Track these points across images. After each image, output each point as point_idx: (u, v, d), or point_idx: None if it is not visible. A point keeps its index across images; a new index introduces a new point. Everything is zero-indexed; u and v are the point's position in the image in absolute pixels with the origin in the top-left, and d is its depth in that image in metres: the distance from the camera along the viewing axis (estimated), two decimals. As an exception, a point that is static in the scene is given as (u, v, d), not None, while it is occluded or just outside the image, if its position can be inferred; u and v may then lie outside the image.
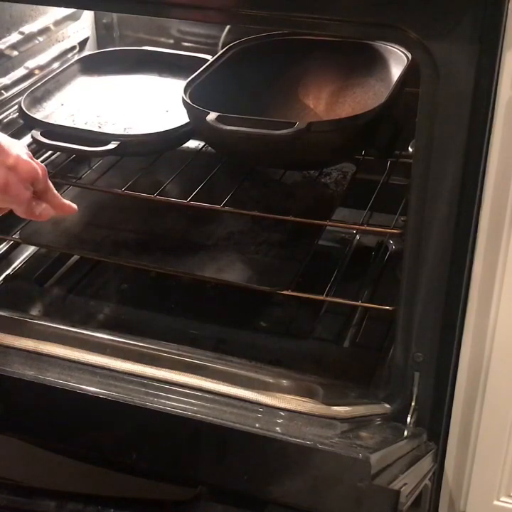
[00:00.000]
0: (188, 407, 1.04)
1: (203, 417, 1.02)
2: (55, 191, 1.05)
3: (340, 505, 1.00)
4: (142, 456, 1.09)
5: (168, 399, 1.05)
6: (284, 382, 1.08)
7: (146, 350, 1.11)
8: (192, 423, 1.02)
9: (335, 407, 1.05)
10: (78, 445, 1.15)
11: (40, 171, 1.00)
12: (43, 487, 1.25)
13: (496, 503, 1.11)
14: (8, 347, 1.13)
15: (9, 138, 1.02)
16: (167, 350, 1.12)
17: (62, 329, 1.16)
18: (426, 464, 1.06)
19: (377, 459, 0.96)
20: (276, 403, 1.04)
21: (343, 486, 0.98)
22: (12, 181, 0.97)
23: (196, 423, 1.02)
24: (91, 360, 1.10)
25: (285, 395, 1.06)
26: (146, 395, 1.05)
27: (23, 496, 1.22)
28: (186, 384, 1.07)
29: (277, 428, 1.01)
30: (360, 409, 1.07)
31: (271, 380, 1.08)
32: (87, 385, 1.06)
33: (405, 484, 0.97)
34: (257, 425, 1.01)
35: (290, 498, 1.04)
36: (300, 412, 1.04)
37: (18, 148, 1.00)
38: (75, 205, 1.08)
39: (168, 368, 1.09)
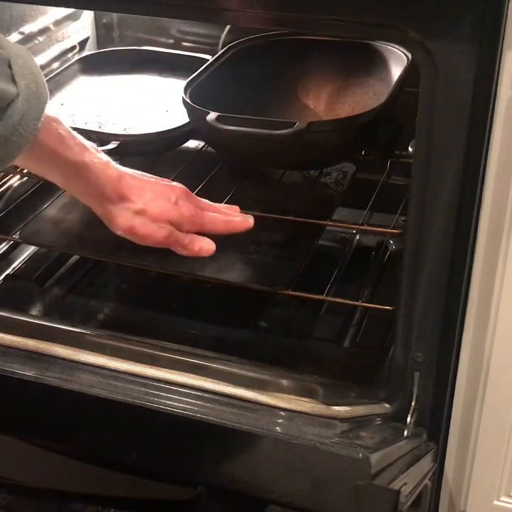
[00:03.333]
0: (188, 407, 1.04)
1: (203, 417, 1.02)
2: (217, 216, 1.09)
3: (340, 505, 1.00)
4: (142, 456, 1.09)
5: (169, 399, 1.05)
6: (284, 382, 1.08)
7: (146, 350, 1.11)
8: (192, 423, 1.02)
9: (335, 407, 1.05)
10: (78, 445, 1.15)
11: (176, 214, 1.04)
12: (42, 487, 1.25)
13: (496, 503, 1.11)
14: (8, 347, 1.13)
15: (149, 179, 1.06)
16: (167, 350, 1.11)
17: (62, 329, 1.16)
18: (426, 464, 1.05)
19: (377, 459, 0.96)
20: (277, 403, 1.04)
21: (343, 486, 0.98)
22: (139, 223, 1.02)
23: (196, 423, 1.02)
24: (91, 360, 1.10)
25: (285, 395, 1.06)
26: (146, 394, 1.05)
27: (23, 496, 1.23)
28: (186, 384, 1.07)
29: (277, 428, 1.01)
30: (360, 409, 1.07)
31: (271, 380, 1.08)
32: (87, 385, 1.06)
33: (405, 484, 0.97)
34: (257, 425, 1.01)
35: (290, 498, 1.04)
36: (300, 412, 1.04)
37: (154, 191, 1.03)
38: (248, 220, 1.12)
39: (168, 368, 1.09)
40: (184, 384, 1.07)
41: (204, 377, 1.07)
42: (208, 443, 1.04)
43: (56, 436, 1.15)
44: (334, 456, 0.97)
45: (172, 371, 1.08)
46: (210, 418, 1.01)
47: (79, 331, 1.15)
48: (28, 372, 1.08)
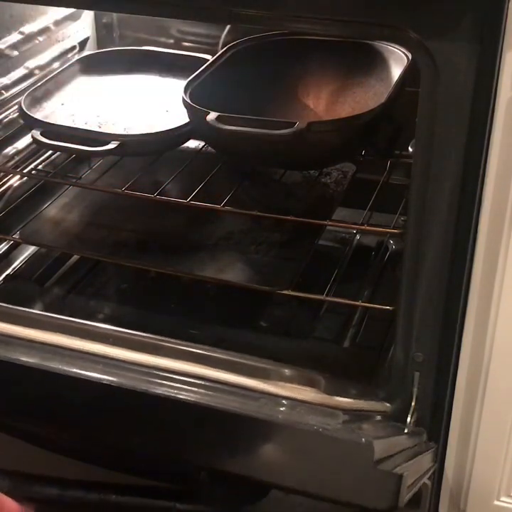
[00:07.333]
0: (191, 395, 1.04)
1: (206, 403, 1.02)
2: None
3: (344, 490, 1.00)
4: (145, 443, 1.10)
5: (172, 387, 1.05)
6: (286, 371, 1.08)
7: (148, 340, 1.12)
8: (195, 409, 1.02)
9: (337, 397, 1.05)
10: (81, 432, 1.15)
11: None
12: (45, 474, 1.25)
13: (496, 503, 1.11)
14: (11, 337, 1.13)
15: None
16: (169, 340, 1.12)
17: (65, 320, 1.16)
18: (426, 460, 1.06)
19: (380, 447, 0.96)
20: (279, 391, 1.05)
21: (347, 471, 0.99)
22: None
23: (199, 409, 1.02)
24: (94, 349, 1.10)
25: (287, 384, 1.06)
26: (150, 383, 1.05)
27: (25, 483, 1.23)
28: (189, 372, 1.07)
29: (279, 416, 1.02)
30: (361, 403, 1.07)
31: (273, 369, 1.08)
32: (90, 373, 1.07)
33: (408, 473, 0.97)
34: (260, 412, 1.01)
35: (293, 483, 1.04)
36: (302, 401, 1.04)
37: None
38: None
39: (171, 357, 1.09)
40: (187, 372, 1.07)
41: (207, 366, 1.07)
42: (211, 429, 1.05)
43: (59, 424, 1.15)
44: (337, 440, 0.97)
45: (175, 360, 1.08)
46: (214, 404, 1.01)
47: (82, 321, 1.16)
48: (31, 361, 1.09)
